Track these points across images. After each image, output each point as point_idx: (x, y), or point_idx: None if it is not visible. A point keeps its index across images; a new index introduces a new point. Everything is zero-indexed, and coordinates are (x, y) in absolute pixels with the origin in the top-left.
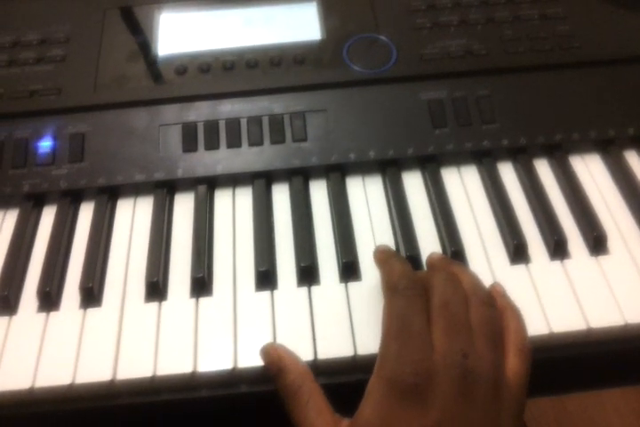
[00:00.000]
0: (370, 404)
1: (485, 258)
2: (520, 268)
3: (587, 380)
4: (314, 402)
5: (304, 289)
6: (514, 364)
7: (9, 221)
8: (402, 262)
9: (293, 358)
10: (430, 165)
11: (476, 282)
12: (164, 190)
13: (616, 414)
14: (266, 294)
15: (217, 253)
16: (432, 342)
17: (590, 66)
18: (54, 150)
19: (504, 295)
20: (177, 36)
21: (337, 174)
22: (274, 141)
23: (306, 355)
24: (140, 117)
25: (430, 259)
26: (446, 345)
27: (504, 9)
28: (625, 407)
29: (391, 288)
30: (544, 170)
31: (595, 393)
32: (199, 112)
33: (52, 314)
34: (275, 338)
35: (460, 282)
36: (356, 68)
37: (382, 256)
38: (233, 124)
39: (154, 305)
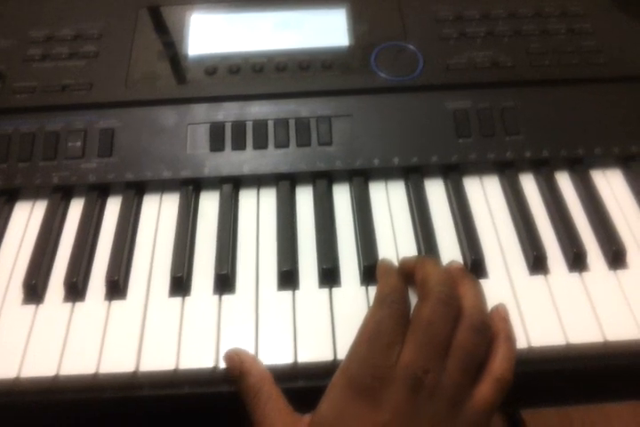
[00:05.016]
0: (328, 398)
1: (505, 267)
2: (538, 278)
3: (598, 392)
4: (273, 403)
5: (325, 290)
6: (485, 391)
7: (37, 213)
8: (398, 279)
9: (254, 362)
10: (453, 174)
11: (476, 304)
12: (190, 188)
13: None
14: (287, 293)
15: (240, 252)
16: (400, 353)
17: (615, 82)
18: (84, 144)
19: (504, 320)
20: (207, 36)
21: (360, 179)
22: (299, 144)
23: (325, 355)
24: (169, 115)
25: (448, 268)
26: (411, 359)
27: (531, 22)
28: (632, 421)
29: (380, 298)
30: (565, 183)
31: (601, 407)
32: (227, 112)
33: (78, 304)
34: (295, 337)
35: (461, 300)
36: (383, 75)
37: (384, 269)
38: (260, 126)
39: (177, 300)
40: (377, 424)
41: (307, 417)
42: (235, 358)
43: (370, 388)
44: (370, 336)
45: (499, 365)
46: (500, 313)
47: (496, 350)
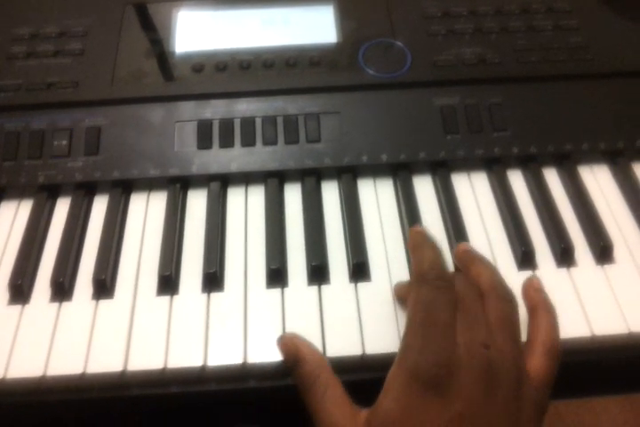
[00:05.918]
0: (390, 394)
1: (493, 263)
2: (527, 274)
3: (587, 386)
4: (331, 393)
5: (314, 288)
6: (539, 364)
7: (23, 212)
8: (434, 251)
9: (311, 348)
10: (441, 170)
11: (495, 278)
12: (178, 186)
13: (611, 424)
14: (276, 291)
15: (229, 250)
16: (456, 333)
17: (602, 78)
18: (70, 143)
19: (538, 290)
20: (194, 33)
21: (349, 176)
22: (288, 141)
23: None
24: (156, 113)
25: (455, 251)
26: (468, 337)
27: (518, 19)
28: (619, 415)
29: (420, 277)
30: (553, 179)
31: (589, 401)
32: (215, 110)
33: (65, 304)
34: None
35: (479, 278)
36: (371, 71)
37: (416, 241)
38: (248, 123)
39: (165, 299)
40: (452, 417)
41: (364, 411)
42: (289, 345)
43: (436, 377)
44: (423, 322)
45: (545, 335)
46: (534, 285)
47: (539, 321)
